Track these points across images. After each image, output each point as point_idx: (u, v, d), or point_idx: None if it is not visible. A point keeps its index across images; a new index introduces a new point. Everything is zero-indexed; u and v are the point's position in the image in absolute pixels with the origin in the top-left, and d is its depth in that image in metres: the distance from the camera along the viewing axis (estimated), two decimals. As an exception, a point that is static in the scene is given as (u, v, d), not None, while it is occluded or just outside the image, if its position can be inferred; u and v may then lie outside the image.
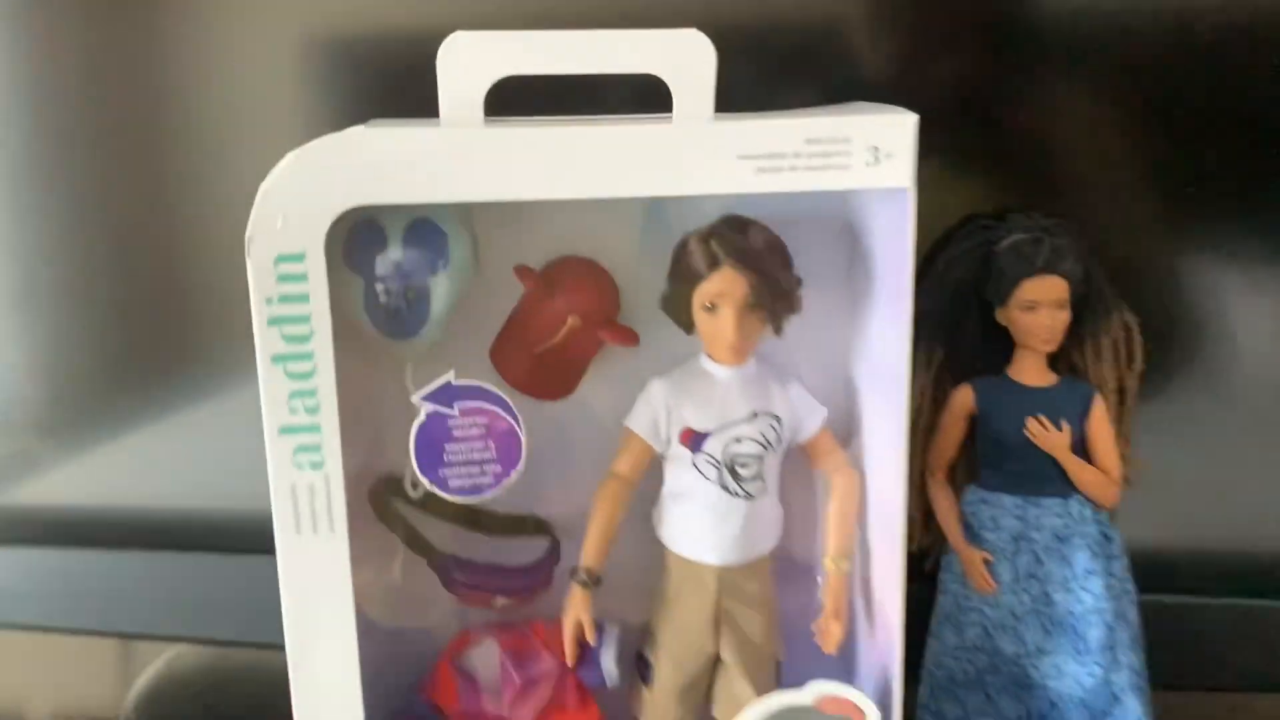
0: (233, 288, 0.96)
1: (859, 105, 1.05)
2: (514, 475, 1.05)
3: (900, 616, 1.07)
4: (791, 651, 1.17)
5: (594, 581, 1.13)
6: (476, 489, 1.05)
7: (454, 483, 1.07)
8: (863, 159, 0.97)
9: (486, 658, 1.14)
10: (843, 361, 1.20)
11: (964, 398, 1.24)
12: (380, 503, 1.14)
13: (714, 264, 1.07)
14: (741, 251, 1.06)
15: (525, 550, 1.18)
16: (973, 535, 1.24)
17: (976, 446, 1.23)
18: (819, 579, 1.20)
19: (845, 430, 1.18)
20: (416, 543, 1.15)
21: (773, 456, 1.14)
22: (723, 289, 1.07)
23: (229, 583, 1.43)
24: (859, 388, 1.18)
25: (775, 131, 0.96)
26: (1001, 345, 1.21)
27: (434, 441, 1.03)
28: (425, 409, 1.03)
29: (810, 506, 1.24)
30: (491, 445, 1.05)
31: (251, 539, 1.23)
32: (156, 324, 1.42)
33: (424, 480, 1.09)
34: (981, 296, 1.21)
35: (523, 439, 1.06)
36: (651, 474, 1.14)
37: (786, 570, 1.19)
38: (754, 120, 0.96)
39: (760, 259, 1.07)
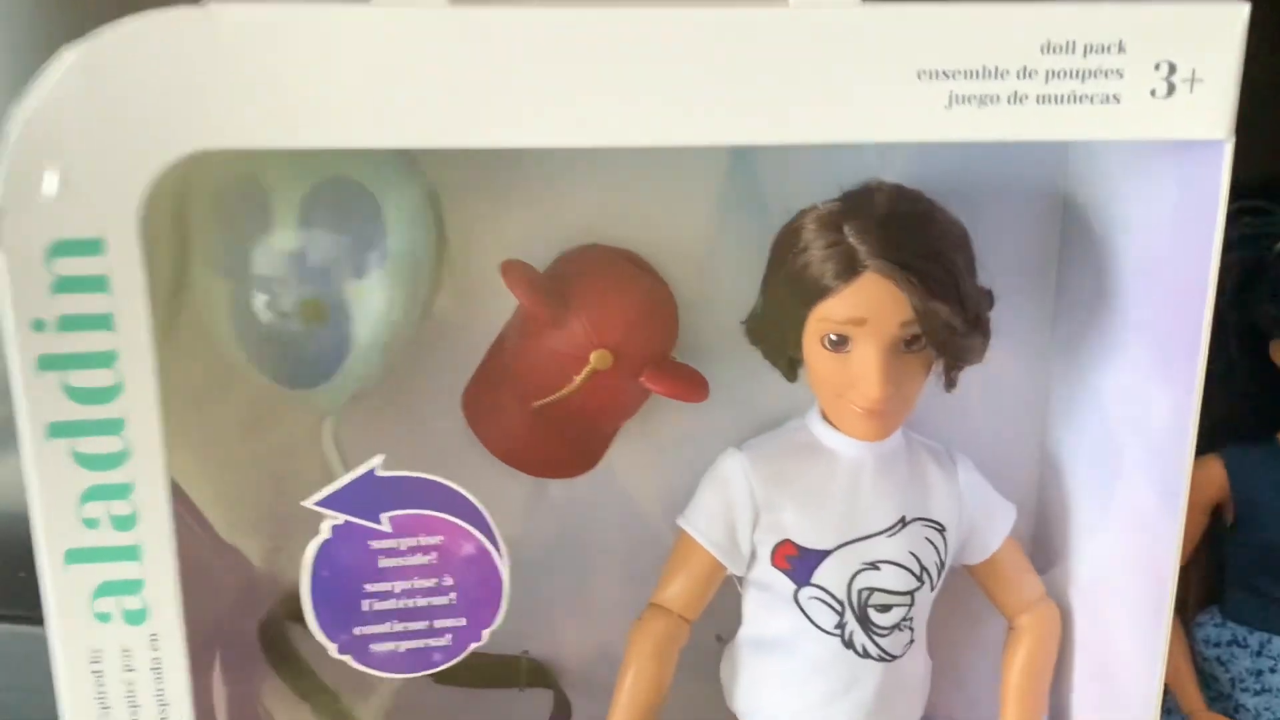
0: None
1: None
2: (485, 636, 0.69)
3: None
4: None
5: None
6: (418, 661, 0.69)
7: (378, 650, 0.67)
8: (1144, 83, 0.63)
9: None
10: (1046, 429, 0.89)
11: (1211, 475, 0.93)
12: (277, 643, 0.81)
13: (851, 267, 0.70)
14: (900, 247, 0.69)
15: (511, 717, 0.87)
16: (1215, 694, 0.94)
17: (1226, 552, 0.96)
18: None
19: (1038, 542, 0.89)
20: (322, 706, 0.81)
21: (928, 593, 0.80)
22: (864, 310, 0.71)
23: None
24: (1070, 472, 0.86)
25: (983, 30, 0.62)
26: (1273, 396, 0.95)
27: (343, 581, 0.66)
28: (327, 524, 0.65)
29: (970, 649, 0.91)
30: (449, 584, 0.67)
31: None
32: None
33: (327, 645, 0.61)
34: (1246, 320, 0.94)
35: (503, 573, 0.69)
36: (721, 604, 0.82)
37: None
38: (943, 7, 0.63)
39: (931, 263, 0.70)
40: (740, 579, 0.81)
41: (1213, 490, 0.93)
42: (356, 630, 0.65)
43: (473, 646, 0.67)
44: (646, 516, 0.86)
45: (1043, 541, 0.88)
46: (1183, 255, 0.69)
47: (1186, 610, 0.98)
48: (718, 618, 0.84)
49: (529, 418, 0.78)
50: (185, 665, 0.66)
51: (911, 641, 0.79)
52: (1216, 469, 0.93)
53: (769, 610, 0.79)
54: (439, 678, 0.84)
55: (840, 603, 0.76)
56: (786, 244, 0.73)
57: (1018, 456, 0.88)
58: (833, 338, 0.72)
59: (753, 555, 0.79)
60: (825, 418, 0.78)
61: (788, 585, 0.77)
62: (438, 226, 0.73)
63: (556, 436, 0.80)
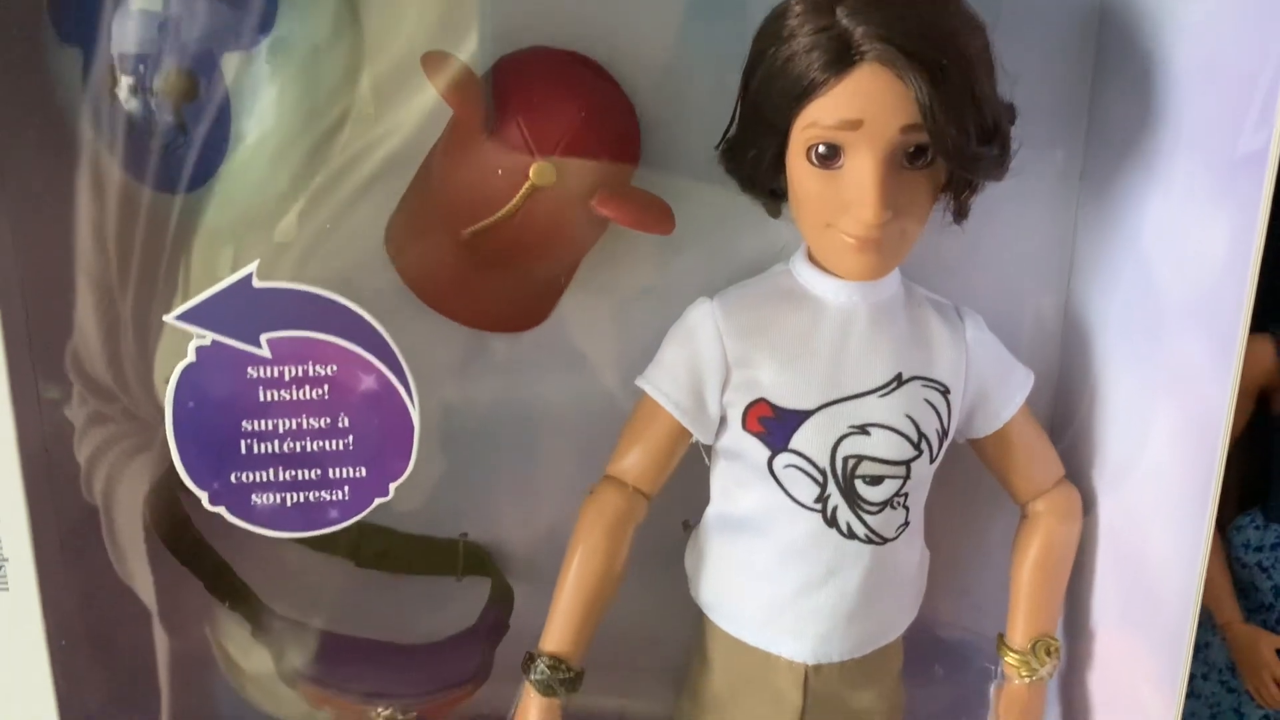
0: None
1: None
2: (391, 491, 0.58)
3: None
4: None
5: (567, 683, 0.68)
6: (310, 518, 0.57)
7: (260, 502, 0.56)
8: None
9: None
10: (1070, 288, 0.76)
11: (1258, 354, 0.83)
12: (166, 517, 0.68)
13: (844, 56, 0.58)
14: (904, 31, 0.57)
15: (445, 607, 0.75)
16: (1254, 606, 0.83)
17: (1273, 445, 0.84)
18: (993, 685, 0.74)
19: (1057, 421, 0.77)
20: (229, 592, 0.69)
21: (926, 466, 0.68)
22: (859, 110, 0.58)
23: None
24: (1097, 334, 0.72)
25: None
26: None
27: (214, 416, 0.54)
28: (193, 345, 0.53)
29: (975, 547, 0.79)
30: (345, 426, 0.55)
31: None
32: None
33: (197, 494, 0.51)
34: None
35: (413, 415, 0.57)
36: (685, 480, 0.70)
37: (921, 656, 0.77)
38: None
39: (941, 50, 0.57)
40: (708, 448, 0.69)
41: (1260, 372, 0.82)
42: (232, 476, 0.54)
43: (377, 502, 0.56)
44: (602, 380, 0.75)
45: (1063, 418, 0.76)
46: (1248, 53, 0.56)
47: (1224, 513, 0.86)
48: (689, 504, 0.73)
49: (461, 252, 0.65)
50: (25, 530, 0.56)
51: (906, 525, 0.67)
52: (1265, 348, 0.82)
53: (739, 484, 0.68)
54: (362, 560, 0.74)
55: (822, 472, 0.65)
56: (769, 34, 0.60)
57: (1037, 319, 0.76)
58: (821, 150, 0.60)
59: (722, 420, 0.67)
60: (812, 260, 0.66)
61: (761, 452, 0.65)
62: (350, 10, 0.61)
63: (496, 279, 0.68)
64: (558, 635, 0.68)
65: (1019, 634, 0.71)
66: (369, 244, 0.70)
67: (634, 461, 0.68)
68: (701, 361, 0.66)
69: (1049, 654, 0.71)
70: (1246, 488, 0.88)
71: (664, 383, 0.67)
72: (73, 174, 0.60)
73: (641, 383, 0.68)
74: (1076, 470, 0.73)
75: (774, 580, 0.67)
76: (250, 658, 0.74)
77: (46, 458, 0.66)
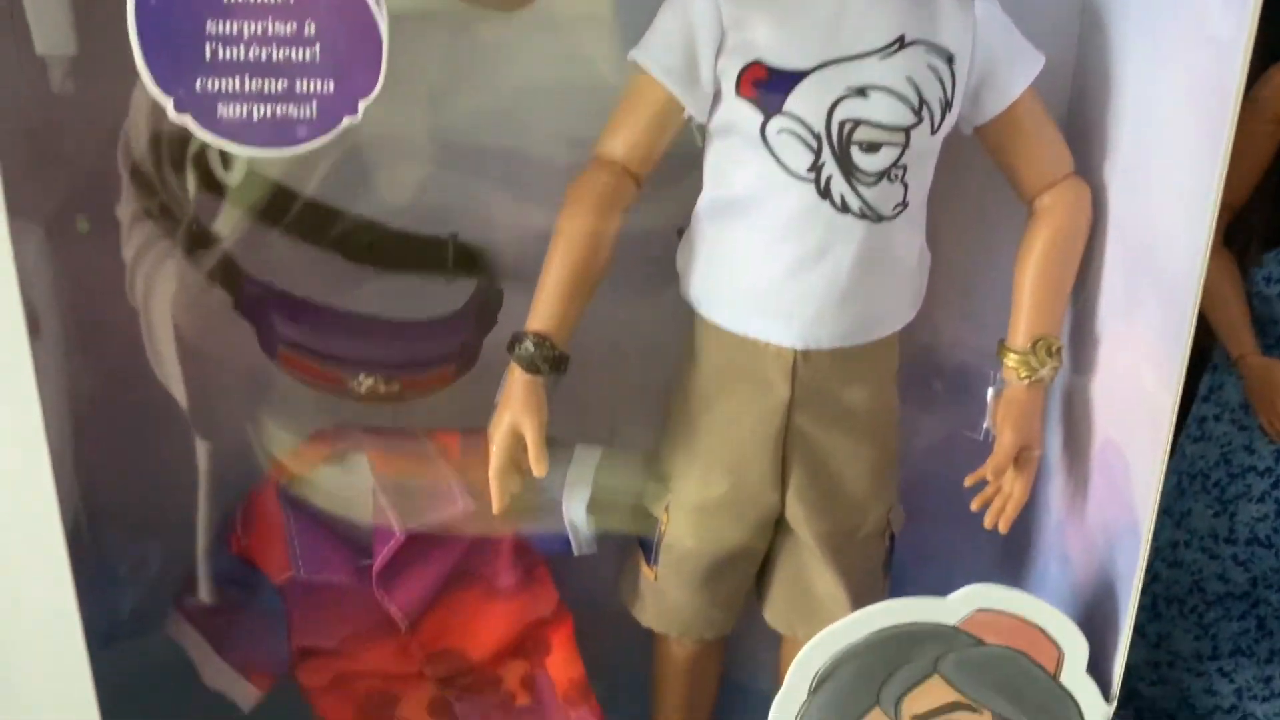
0: None
1: None
2: (360, 110, 0.55)
3: (1155, 490, 0.64)
4: (920, 522, 0.78)
5: (551, 361, 0.67)
6: (277, 133, 0.55)
7: (227, 114, 0.54)
8: None
9: (343, 486, 0.70)
10: None
11: None
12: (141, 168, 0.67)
13: None
14: None
15: (430, 299, 0.73)
16: (1273, 340, 0.82)
17: None
18: (989, 392, 0.72)
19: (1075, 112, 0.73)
20: (205, 255, 0.68)
21: (927, 138, 0.65)
22: None
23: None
24: (1122, 22, 0.68)
25: None
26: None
27: (178, 14, 0.52)
28: None
29: (981, 267, 0.77)
30: (311, 34, 0.53)
31: None
32: None
33: (163, 101, 0.53)
34: None
35: (381, 27, 0.54)
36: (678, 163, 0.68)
37: (919, 372, 0.77)
38: None
39: None
40: (701, 128, 0.67)
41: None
42: (198, 84, 0.52)
43: (346, 122, 0.54)
44: (598, 60, 0.71)
45: (1077, 114, 0.72)
46: None
47: (1248, 255, 0.83)
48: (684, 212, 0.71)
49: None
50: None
51: (903, 206, 0.65)
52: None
53: (732, 159, 0.65)
54: (350, 252, 0.73)
55: (816, 137, 0.62)
56: None
57: (1053, 10, 0.71)
58: None
59: (716, 96, 0.64)
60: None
61: (754, 119, 0.63)
62: None
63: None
64: (543, 314, 0.66)
65: (1020, 334, 0.69)
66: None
67: (623, 139, 0.66)
68: (695, 26, 0.63)
69: (1050, 354, 0.68)
70: (1273, 229, 0.84)
71: (656, 50, 0.64)
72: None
73: (634, 54, 0.65)
74: (1087, 166, 0.69)
75: (764, 262, 0.65)
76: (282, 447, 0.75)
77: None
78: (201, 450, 0.75)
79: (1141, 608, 0.87)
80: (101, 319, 0.73)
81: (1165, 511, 0.86)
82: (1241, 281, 0.82)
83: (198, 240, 0.66)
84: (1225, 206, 0.81)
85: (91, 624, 0.64)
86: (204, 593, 0.75)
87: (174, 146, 0.66)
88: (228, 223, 0.70)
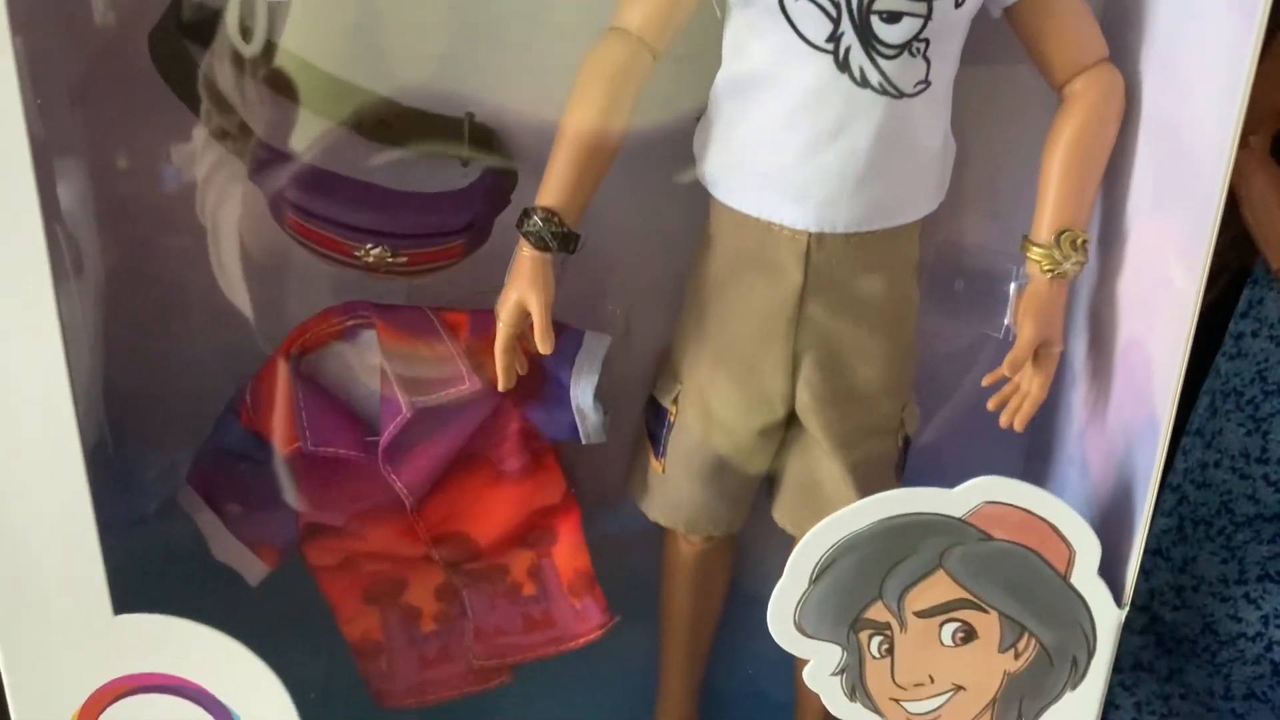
0: None
1: None
2: None
3: (1176, 381, 0.62)
4: (939, 432, 0.78)
5: (559, 238, 0.66)
6: None
7: None
8: None
9: (352, 361, 0.70)
10: None
11: None
12: (164, 46, 0.67)
13: None
14: None
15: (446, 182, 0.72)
16: None
17: None
18: (1012, 286, 0.70)
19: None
20: (224, 123, 0.67)
21: (951, 10, 0.62)
22: None
23: None
24: None
25: None
26: None
27: None
28: None
29: (1002, 150, 0.74)
30: None
31: None
32: None
33: None
34: None
35: None
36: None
37: (942, 258, 0.75)
38: None
39: None
40: (721, 1, 0.65)
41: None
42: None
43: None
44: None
45: (1113, 1, 0.69)
46: None
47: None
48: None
49: None
50: None
51: (925, 84, 0.62)
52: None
53: (751, 30, 0.63)
54: (364, 128, 0.73)
55: (836, 5, 0.60)
56: None
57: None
58: None
59: (736, -35, 0.63)
60: None
61: (772, -8, 0.61)
62: None
63: None
64: (553, 189, 0.65)
65: (1044, 226, 0.66)
66: None
67: (639, 9, 0.64)
68: None
69: (1075, 248, 0.65)
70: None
71: None
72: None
73: (651, -78, 0.64)
74: (1122, 55, 0.66)
75: (779, 140, 0.64)
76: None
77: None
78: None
79: (1166, 530, 0.85)
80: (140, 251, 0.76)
81: (1197, 432, 0.83)
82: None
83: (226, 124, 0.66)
84: (1275, 114, 0.77)
85: (112, 522, 0.66)
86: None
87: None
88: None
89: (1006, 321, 0.69)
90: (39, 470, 0.62)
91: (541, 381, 0.71)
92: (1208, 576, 0.83)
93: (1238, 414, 0.81)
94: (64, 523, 0.63)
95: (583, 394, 0.71)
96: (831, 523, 0.64)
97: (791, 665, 0.82)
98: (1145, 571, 0.85)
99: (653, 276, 0.78)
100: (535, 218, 0.65)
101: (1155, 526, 0.84)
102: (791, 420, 0.72)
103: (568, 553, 0.76)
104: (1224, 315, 0.86)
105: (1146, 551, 0.84)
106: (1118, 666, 0.87)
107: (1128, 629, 0.87)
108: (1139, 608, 0.86)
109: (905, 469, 0.75)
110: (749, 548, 0.82)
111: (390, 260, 0.66)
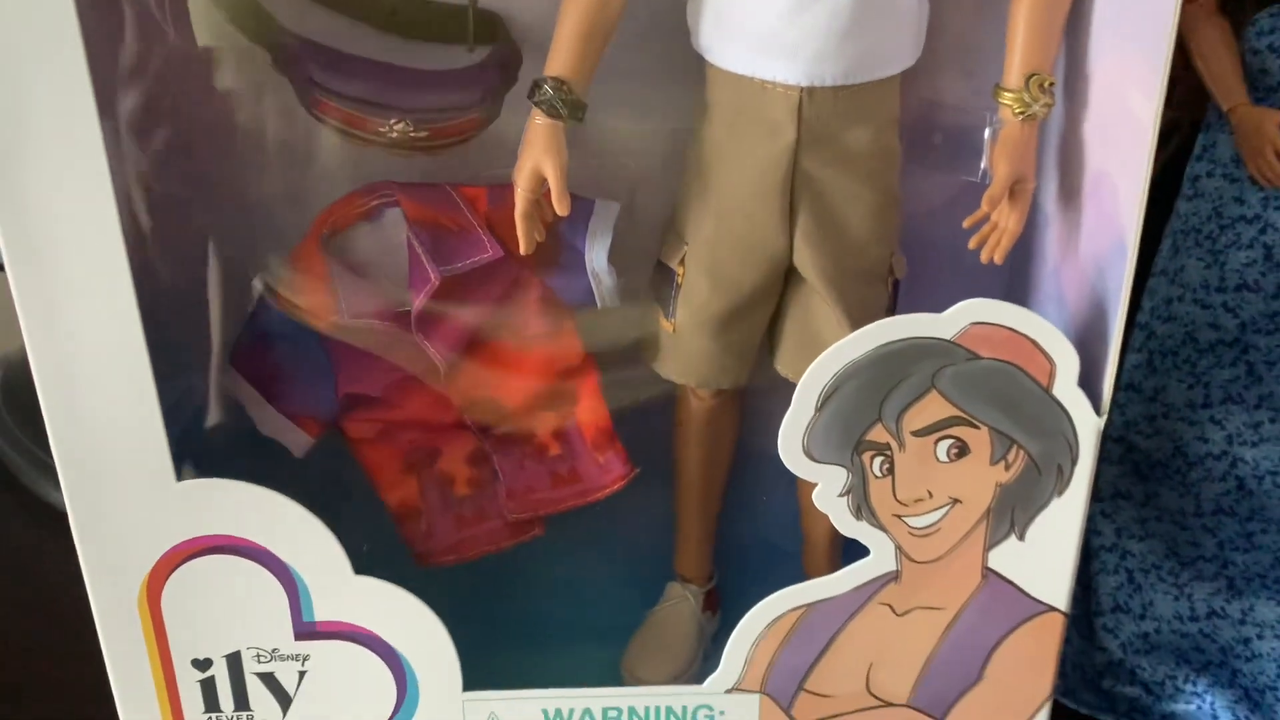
0: None
1: None
2: None
3: (1140, 201, 0.67)
4: (922, 264, 0.81)
5: (569, 105, 0.71)
6: None
7: None
8: None
9: (380, 238, 0.76)
10: None
11: None
12: None
13: None
14: None
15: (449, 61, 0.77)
16: (1265, 90, 0.84)
17: None
18: (987, 132, 0.75)
19: None
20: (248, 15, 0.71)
21: None
22: None
23: None
24: None
25: None
26: None
27: None
28: None
29: (971, 5, 0.79)
30: None
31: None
32: None
33: None
34: None
35: None
36: None
37: (921, 116, 0.80)
38: None
39: None
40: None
41: None
42: None
43: None
44: None
45: None
46: None
47: (1244, 11, 0.85)
48: None
49: None
50: None
51: (902, -59, 0.67)
52: None
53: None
54: (372, 18, 0.76)
55: None
56: None
57: None
58: None
59: None
60: None
61: None
62: None
63: None
64: (560, 59, 0.70)
65: (1014, 72, 0.71)
66: None
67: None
68: None
69: (1042, 90, 0.70)
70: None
71: None
72: None
73: None
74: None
75: (767, 1, 0.68)
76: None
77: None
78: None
79: (1137, 366, 0.92)
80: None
81: (1161, 272, 0.89)
82: (1235, 43, 0.84)
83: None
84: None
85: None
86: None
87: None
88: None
89: (983, 165, 0.75)
90: (102, 345, 0.67)
91: (558, 249, 0.76)
92: (1176, 403, 0.90)
93: (1197, 250, 0.87)
94: (128, 396, 0.68)
95: (597, 258, 0.76)
96: (833, 353, 0.69)
97: (797, 519, 0.89)
98: (1120, 406, 0.91)
99: (659, 152, 0.81)
100: (546, 86, 0.70)
101: (1127, 362, 0.90)
102: (790, 275, 0.78)
103: (589, 412, 0.81)
104: (1181, 169, 0.92)
105: (1120, 386, 0.91)
106: (1098, 496, 0.93)
107: (1106, 460, 0.94)
108: (1115, 439, 0.92)
109: (895, 314, 0.81)
110: (756, 404, 0.88)
111: (413, 135, 0.70)
